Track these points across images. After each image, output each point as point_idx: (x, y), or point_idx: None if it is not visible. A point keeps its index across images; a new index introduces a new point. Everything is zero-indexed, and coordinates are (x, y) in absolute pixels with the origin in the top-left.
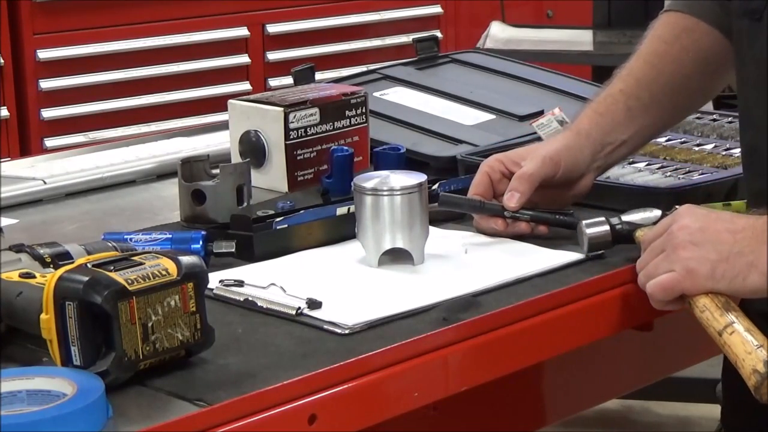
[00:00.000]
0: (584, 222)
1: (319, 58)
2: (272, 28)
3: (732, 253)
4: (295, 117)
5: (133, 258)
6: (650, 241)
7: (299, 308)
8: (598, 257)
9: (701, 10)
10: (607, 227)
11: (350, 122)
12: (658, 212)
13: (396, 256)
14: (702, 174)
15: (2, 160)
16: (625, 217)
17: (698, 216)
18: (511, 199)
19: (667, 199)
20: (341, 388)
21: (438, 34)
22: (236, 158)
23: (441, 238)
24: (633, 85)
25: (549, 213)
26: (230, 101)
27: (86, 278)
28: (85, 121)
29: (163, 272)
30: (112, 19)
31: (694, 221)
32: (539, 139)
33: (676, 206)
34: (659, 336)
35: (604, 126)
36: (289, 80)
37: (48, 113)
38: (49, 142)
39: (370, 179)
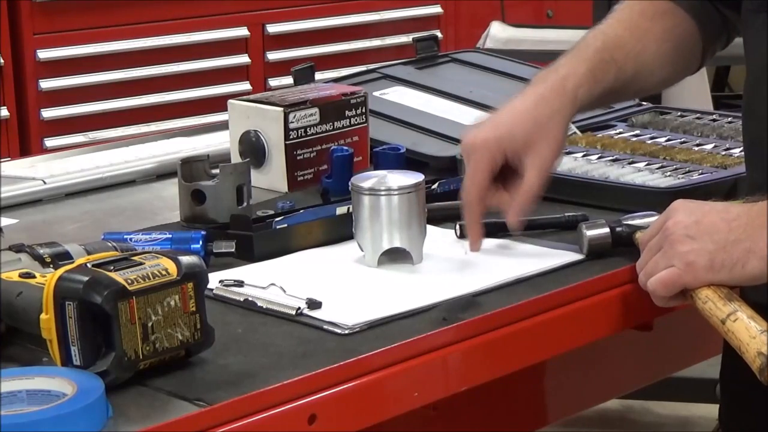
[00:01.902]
0: (584, 224)
1: (319, 58)
2: (272, 28)
3: (729, 242)
4: (295, 117)
5: (133, 258)
6: (647, 240)
7: (299, 308)
8: (598, 257)
9: (683, 2)
10: (606, 229)
11: (350, 122)
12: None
13: (395, 256)
14: (702, 174)
15: (2, 160)
16: (626, 220)
17: (692, 209)
18: (518, 223)
19: (666, 198)
20: (341, 388)
21: (438, 34)
22: (236, 158)
23: (440, 238)
24: (623, 56)
25: (553, 216)
26: (230, 101)
27: (86, 278)
28: (85, 121)
29: (163, 272)
30: (112, 19)
31: (688, 215)
32: None
33: None
34: (659, 336)
35: (595, 95)
36: (289, 80)
37: (48, 113)
38: (49, 142)
39: (367, 179)
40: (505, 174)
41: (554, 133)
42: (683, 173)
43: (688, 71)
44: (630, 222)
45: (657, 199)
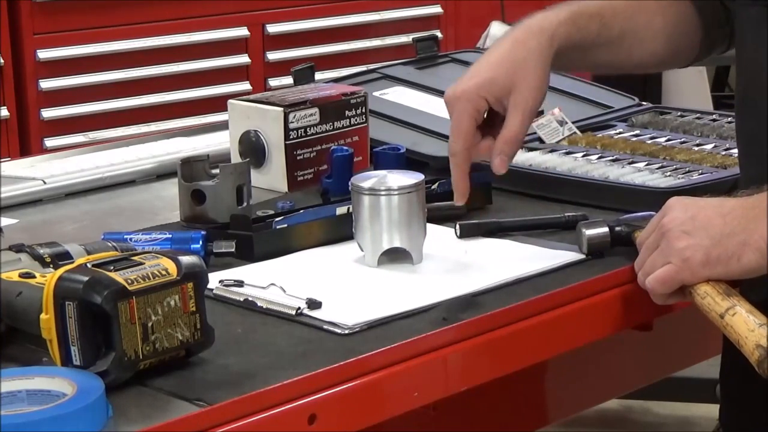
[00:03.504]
0: (583, 223)
1: (319, 58)
2: (272, 28)
3: (723, 236)
4: (294, 117)
5: (133, 258)
6: (644, 239)
7: (299, 308)
8: (598, 257)
9: None
10: (605, 229)
11: (350, 122)
12: None
13: (395, 256)
14: (702, 174)
15: (2, 160)
16: (625, 220)
17: (687, 205)
18: (502, 165)
19: (666, 199)
20: (341, 388)
21: (438, 34)
22: (236, 158)
23: (440, 238)
24: (610, 14)
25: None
26: (230, 101)
27: (86, 278)
28: (85, 121)
29: (163, 272)
30: (112, 19)
31: (683, 211)
32: (539, 139)
33: None
34: (659, 336)
35: (575, 40)
36: (289, 80)
37: (48, 113)
38: (49, 142)
39: (367, 179)
40: (494, 122)
41: (533, 73)
42: (683, 173)
43: (684, 56)
44: (629, 221)
45: (657, 199)
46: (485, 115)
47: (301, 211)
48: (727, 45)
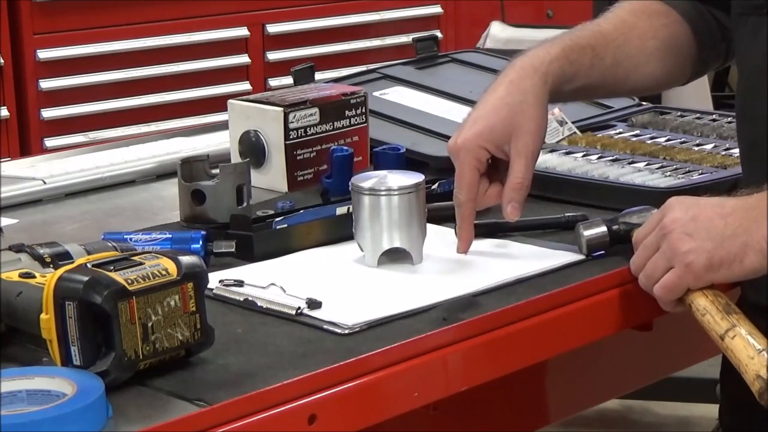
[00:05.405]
0: (581, 224)
1: (319, 58)
2: (272, 28)
3: (725, 237)
4: (294, 117)
5: (133, 258)
6: (643, 237)
7: (299, 308)
8: (598, 257)
9: (676, 3)
10: (604, 228)
11: (350, 122)
12: (655, 211)
13: (395, 256)
14: (702, 174)
15: (2, 160)
16: (623, 218)
17: (688, 205)
18: (514, 212)
19: (666, 199)
20: (341, 388)
21: (438, 34)
22: (236, 158)
23: (440, 238)
24: (602, 44)
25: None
26: (230, 101)
27: (86, 278)
28: (85, 121)
29: (163, 272)
30: (112, 19)
31: (684, 212)
32: None
33: None
34: (659, 336)
35: (568, 75)
36: (289, 80)
37: (48, 113)
38: (49, 142)
39: (367, 179)
40: (499, 166)
41: (530, 117)
42: (683, 173)
43: (680, 74)
44: (627, 219)
45: (657, 200)
46: (489, 161)
47: (301, 211)
48: (723, 61)
